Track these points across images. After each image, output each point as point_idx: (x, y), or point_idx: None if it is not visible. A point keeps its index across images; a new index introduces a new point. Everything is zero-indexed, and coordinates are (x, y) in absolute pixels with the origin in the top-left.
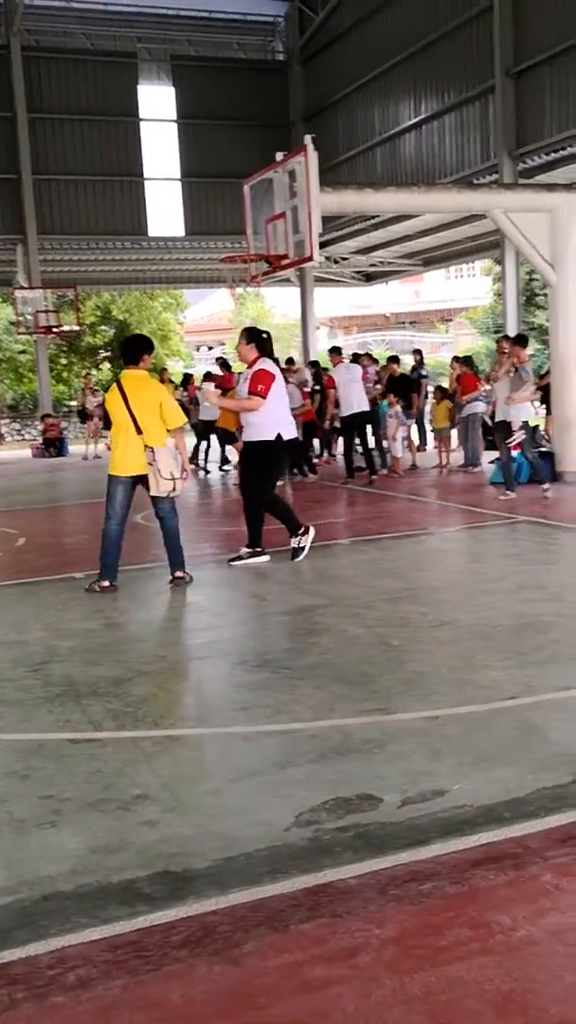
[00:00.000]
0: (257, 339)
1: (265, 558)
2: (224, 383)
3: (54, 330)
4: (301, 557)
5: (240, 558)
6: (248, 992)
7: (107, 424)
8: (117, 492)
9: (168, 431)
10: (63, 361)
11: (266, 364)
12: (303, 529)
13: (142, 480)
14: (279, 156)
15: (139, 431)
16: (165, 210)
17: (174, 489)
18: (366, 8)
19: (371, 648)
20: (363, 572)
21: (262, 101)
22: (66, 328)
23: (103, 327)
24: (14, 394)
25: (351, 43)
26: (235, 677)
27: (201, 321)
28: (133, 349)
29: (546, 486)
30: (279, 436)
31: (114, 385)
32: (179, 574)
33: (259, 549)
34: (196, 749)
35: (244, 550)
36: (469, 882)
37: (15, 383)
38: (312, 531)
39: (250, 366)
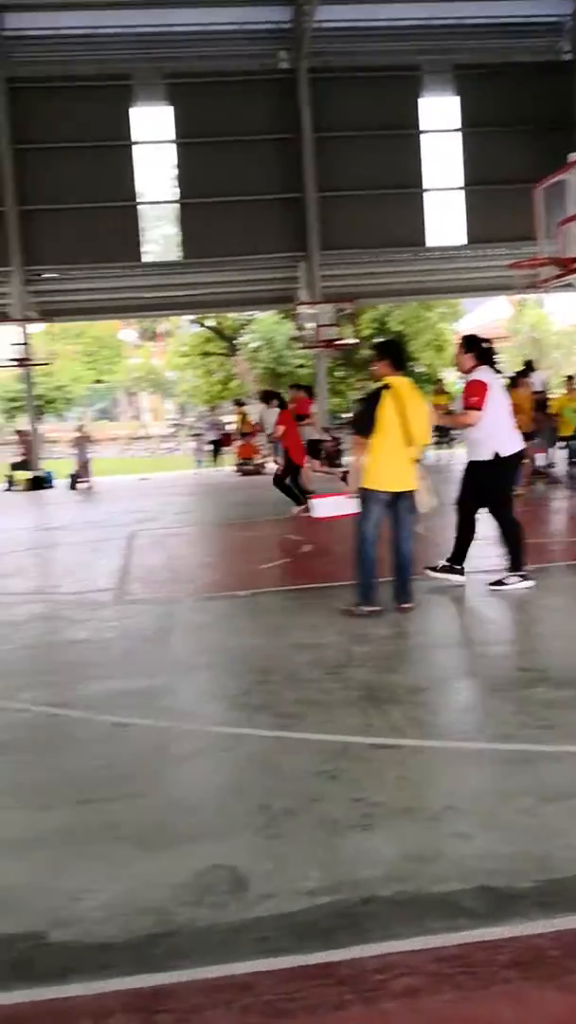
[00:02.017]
0: (476, 348)
1: (530, 583)
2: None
3: (334, 344)
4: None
5: (502, 583)
6: None
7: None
8: (374, 510)
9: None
10: (337, 374)
11: (480, 373)
12: (523, 575)
13: (399, 497)
14: (572, 157)
15: (411, 443)
16: (444, 220)
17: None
18: None
19: None
20: None
21: (544, 104)
22: (345, 341)
23: (379, 339)
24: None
25: None
26: (537, 694)
27: (476, 330)
28: (402, 354)
29: None
30: (496, 455)
31: (392, 389)
32: (408, 604)
33: (522, 573)
34: (503, 764)
35: (508, 576)
36: None
37: None
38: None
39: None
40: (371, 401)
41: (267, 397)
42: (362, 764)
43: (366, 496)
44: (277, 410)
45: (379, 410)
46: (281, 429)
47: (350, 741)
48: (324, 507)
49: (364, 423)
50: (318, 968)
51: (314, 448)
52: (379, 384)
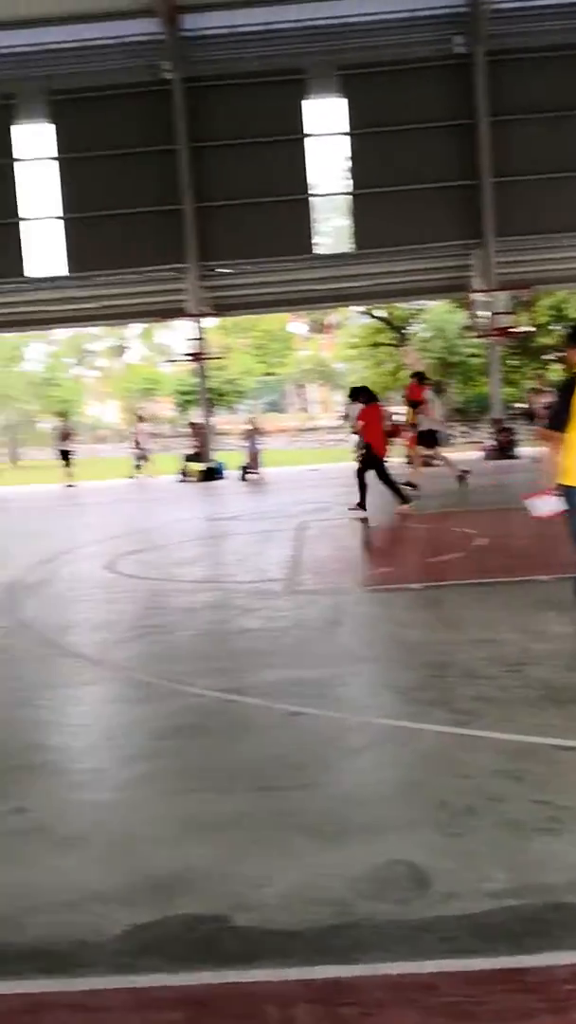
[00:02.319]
0: None
1: None
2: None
3: (508, 332)
4: None
5: None
6: None
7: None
8: None
9: None
10: (511, 363)
11: None
12: None
13: None
14: None
15: None
16: None
17: None
18: None
19: None
20: None
21: None
22: (520, 329)
23: (554, 327)
24: (464, 397)
25: None
26: None
27: None
28: None
29: None
30: None
31: None
32: None
33: None
34: None
35: None
36: None
37: (464, 386)
38: None
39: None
40: (565, 392)
41: (354, 394)
42: (546, 765)
43: (568, 493)
44: (360, 405)
45: (574, 401)
46: (360, 424)
47: (532, 741)
48: (542, 506)
49: (557, 416)
50: (505, 973)
51: (429, 437)
52: (572, 374)
